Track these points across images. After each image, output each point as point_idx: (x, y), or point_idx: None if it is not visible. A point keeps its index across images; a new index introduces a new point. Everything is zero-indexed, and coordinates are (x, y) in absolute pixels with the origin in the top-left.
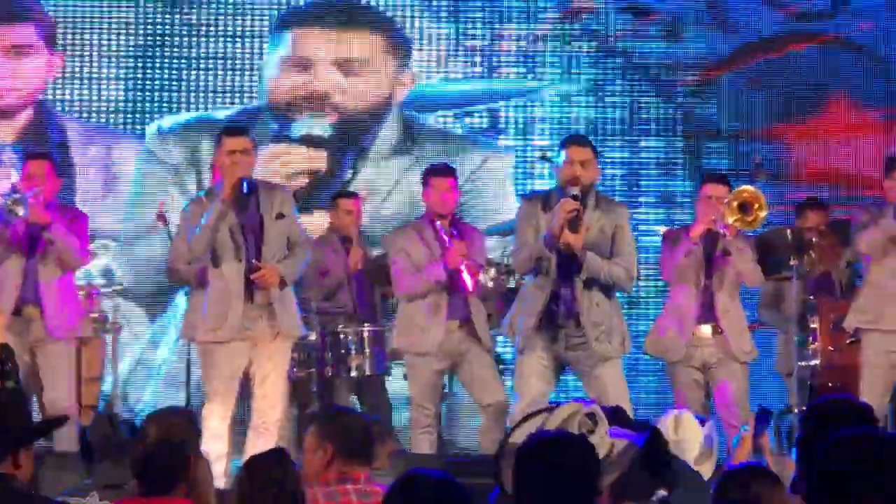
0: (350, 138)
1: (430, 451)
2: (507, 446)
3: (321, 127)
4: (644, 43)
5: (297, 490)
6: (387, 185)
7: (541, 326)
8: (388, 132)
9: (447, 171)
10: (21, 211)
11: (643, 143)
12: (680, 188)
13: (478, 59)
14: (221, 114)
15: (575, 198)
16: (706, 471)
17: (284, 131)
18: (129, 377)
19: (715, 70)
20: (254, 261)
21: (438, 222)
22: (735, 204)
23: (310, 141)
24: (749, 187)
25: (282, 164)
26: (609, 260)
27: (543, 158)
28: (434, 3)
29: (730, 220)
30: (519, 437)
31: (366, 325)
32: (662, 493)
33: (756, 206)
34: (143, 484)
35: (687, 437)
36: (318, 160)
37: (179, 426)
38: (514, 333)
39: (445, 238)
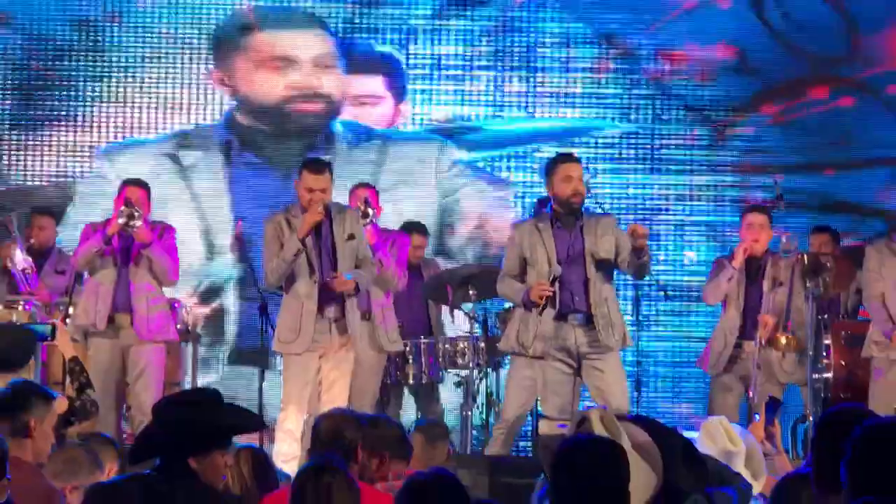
0: None
1: (503, 450)
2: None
3: None
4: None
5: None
6: None
7: (556, 325)
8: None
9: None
10: (139, 224)
11: (695, 179)
12: (729, 220)
13: (521, 99)
14: None
15: (553, 281)
16: (760, 484)
17: None
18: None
19: (741, 113)
20: (331, 273)
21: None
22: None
23: None
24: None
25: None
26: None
27: None
28: (478, 46)
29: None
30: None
31: (422, 337)
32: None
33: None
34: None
35: (741, 447)
36: None
37: (350, 426)
38: (523, 344)
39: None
